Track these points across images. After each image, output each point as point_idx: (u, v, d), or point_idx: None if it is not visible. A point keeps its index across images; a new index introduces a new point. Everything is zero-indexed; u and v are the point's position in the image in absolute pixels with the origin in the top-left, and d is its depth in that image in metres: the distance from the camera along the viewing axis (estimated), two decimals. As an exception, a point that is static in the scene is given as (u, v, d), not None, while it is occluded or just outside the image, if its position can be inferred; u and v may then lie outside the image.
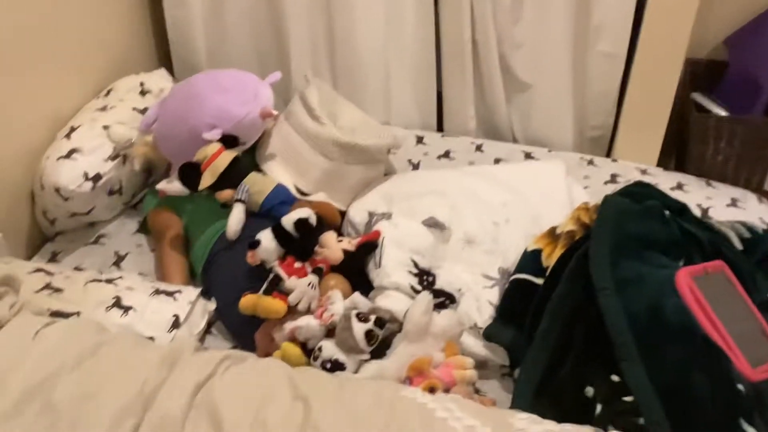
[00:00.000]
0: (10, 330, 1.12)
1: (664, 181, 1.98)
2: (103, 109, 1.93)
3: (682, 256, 1.49)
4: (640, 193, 1.63)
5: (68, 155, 1.78)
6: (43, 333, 1.12)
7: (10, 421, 1.00)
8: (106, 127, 1.86)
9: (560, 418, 1.08)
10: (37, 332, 1.12)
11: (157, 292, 1.56)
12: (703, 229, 1.58)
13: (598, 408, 1.27)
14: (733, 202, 1.90)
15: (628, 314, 1.31)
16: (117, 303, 1.50)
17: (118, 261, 1.82)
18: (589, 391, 1.32)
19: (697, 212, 1.85)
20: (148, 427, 1.00)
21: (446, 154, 2.15)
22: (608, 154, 2.28)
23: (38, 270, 1.60)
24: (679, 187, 1.97)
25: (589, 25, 2.07)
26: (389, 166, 2.04)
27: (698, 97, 2.20)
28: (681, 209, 1.62)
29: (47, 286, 1.53)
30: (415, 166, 2.11)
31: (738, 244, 1.58)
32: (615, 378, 1.29)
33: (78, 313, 1.42)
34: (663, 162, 2.19)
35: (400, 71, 2.25)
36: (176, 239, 1.77)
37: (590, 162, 2.12)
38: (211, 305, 1.63)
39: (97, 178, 1.79)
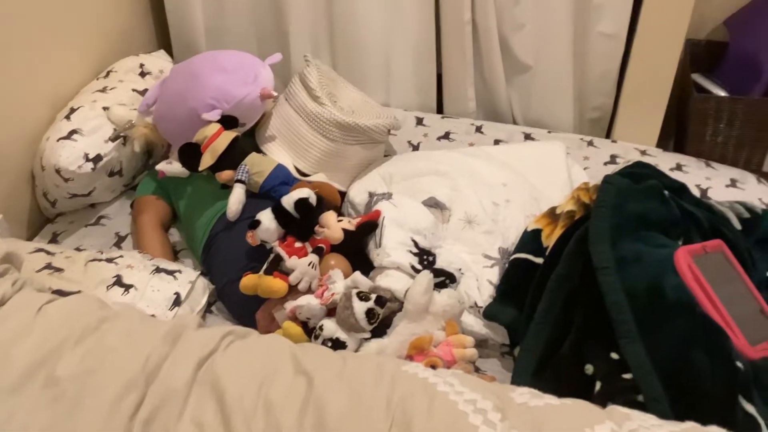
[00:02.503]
0: (13, 306, 1.12)
1: (664, 161, 1.98)
2: (103, 90, 1.92)
3: (681, 236, 1.49)
4: (639, 173, 1.63)
5: (68, 136, 1.77)
6: (45, 309, 1.12)
7: (13, 394, 1.01)
8: (106, 108, 1.85)
9: (559, 396, 1.08)
10: (39, 308, 1.11)
11: (158, 270, 1.56)
12: (702, 209, 1.58)
13: (598, 385, 1.28)
14: (733, 183, 1.90)
15: (628, 293, 1.31)
16: (118, 281, 1.50)
17: (119, 242, 1.82)
18: (589, 368, 1.32)
19: (697, 193, 1.85)
20: (151, 401, 1.00)
21: (446, 136, 2.15)
22: (608, 135, 2.28)
23: (39, 250, 1.59)
24: (679, 167, 1.97)
25: (589, 6, 2.06)
26: (389, 147, 2.04)
27: (698, 78, 2.20)
28: (680, 189, 1.62)
29: (48, 266, 1.53)
30: (415, 147, 2.10)
31: (737, 224, 1.59)
32: (614, 356, 1.29)
33: (79, 292, 1.42)
34: (662, 143, 2.18)
35: (399, 53, 2.24)
36: (153, 221, 1.79)
37: (590, 143, 2.11)
38: (211, 285, 1.64)
39: (97, 159, 1.79)
